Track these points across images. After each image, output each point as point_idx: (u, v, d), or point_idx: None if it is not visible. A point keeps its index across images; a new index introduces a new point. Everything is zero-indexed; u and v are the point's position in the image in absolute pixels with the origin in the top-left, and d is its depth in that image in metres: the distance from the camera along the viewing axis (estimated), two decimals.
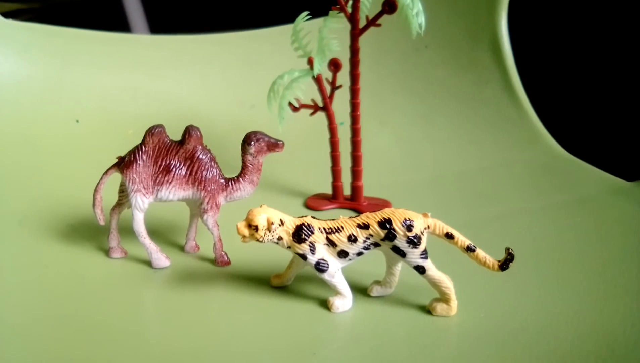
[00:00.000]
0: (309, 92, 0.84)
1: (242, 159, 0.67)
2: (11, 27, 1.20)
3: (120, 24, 1.55)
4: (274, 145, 0.67)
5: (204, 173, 0.66)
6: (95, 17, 1.42)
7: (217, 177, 0.67)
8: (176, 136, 0.67)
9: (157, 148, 0.65)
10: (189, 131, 0.66)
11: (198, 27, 1.36)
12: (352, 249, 0.57)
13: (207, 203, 0.66)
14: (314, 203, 0.88)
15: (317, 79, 0.83)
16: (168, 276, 0.66)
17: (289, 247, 0.57)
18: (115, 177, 0.67)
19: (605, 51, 1.17)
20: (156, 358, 0.52)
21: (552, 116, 1.13)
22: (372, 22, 0.80)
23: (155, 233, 0.73)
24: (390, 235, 0.56)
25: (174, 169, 0.65)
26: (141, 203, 0.65)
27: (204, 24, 1.46)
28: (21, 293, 0.63)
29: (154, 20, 1.59)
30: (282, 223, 0.57)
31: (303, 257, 0.57)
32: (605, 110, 1.16)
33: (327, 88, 0.84)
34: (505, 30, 1.16)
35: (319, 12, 0.85)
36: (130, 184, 0.65)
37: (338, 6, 0.80)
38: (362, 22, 0.80)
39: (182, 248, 0.72)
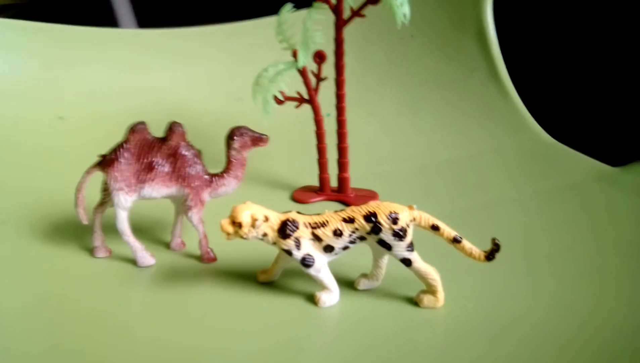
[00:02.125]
0: (294, 85, 0.83)
1: (227, 155, 0.66)
2: None
3: (107, 19, 1.52)
4: (258, 140, 0.66)
5: (188, 169, 0.65)
6: (83, 12, 1.40)
7: (201, 173, 0.66)
8: (162, 131, 0.66)
9: (139, 145, 0.64)
10: (171, 128, 0.65)
11: (185, 20, 1.34)
12: (337, 243, 0.57)
13: (192, 199, 0.66)
14: (301, 195, 0.88)
15: (302, 72, 0.82)
16: (154, 275, 0.65)
17: (274, 243, 0.57)
18: (99, 175, 0.66)
19: (590, 38, 1.17)
20: (143, 357, 0.51)
21: (538, 103, 1.13)
22: (356, 12, 0.79)
23: (140, 231, 0.72)
24: (376, 229, 0.55)
25: (157, 167, 0.64)
26: (124, 201, 0.64)
27: (191, 17, 1.44)
28: (4, 294, 0.63)
29: (141, 15, 1.56)
30: (266, 219, 0.56)
31: (288, 253, 0.57)
32: (591, 96, 1.16)
33: (313, 80, 0.83)
34: (490, 19, 1.15)
35: (303, 3, 0.84)
36: (113, 182, 0.64)
37: None
38: (346, 13, 0.79)
39: (167, 246, 0.72)
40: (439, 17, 1.20)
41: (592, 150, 0.98)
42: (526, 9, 1.24)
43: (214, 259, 0.68)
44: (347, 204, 0.84)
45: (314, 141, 0.86)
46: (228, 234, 0.56)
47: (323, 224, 0.57)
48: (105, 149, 0.66)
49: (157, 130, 0.66)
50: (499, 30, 1.16)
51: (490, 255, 0.56)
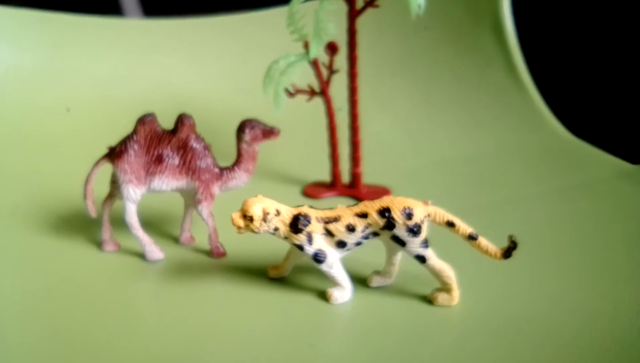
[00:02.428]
0: (305, 77, 0.82)
1: (237, 148, 0.66)
2: None
3: (112, 7, 1.52)
4: (269, 132, 0.65)
5: (198, 162, 0.64)
6: (88, 1, 1.40)
7: (211, 166, 0.65)
8: (171, 123, 0.65)
9: (148, 138, 0.64)
10: (181, 120, 0.64)
11: (192, 10, 1.33)
12: (350, 239, 0.56)
13: (202, 193, 0.65)
14: (312, 190, 0.87)
15: (314, 63, 0.81)
16: (162, 269, 0.65)
17: (285, 238, 0.56)
18: (108, 168, 0.66)
19: (610, 32, 1.15)
20: (152, 352, 0.51)
21: (556, 98, 1.11)
22: (369, 3, 0.78)
23: (149, 224, 0.72)
24: (390, 224, 0.54)
25: (166, 159, 0.64)
26: (133, 194, 0.64)
27: (199, 6, 1.44)
28: (12, 287, 0.62)
29: (147, 4, 1.56)
30: (278, 213, 0.55)
31: (300, 248, 0.56)
32: (611, 92, 1.14)
33: (324, 72, 0.82)
34: (508, 10, 1.14)
35: None
36: (122, 175, 0.63)
37: None
38: (359, 4, 0.78)
39: (176, 240, 0.71)
40: (454, 8, 1.18)
41: (612, 147, 0.96)
42: (544, 1, 1.21)
43: (224, 254, 0.67)
44: (359, 200, 0.82)
45: (325, 134, 0.85)
46: (239, 228, 0.55)
47: (336, 219, 0.56)
48: (112, 141, 0.66)
49: (165, 122, 0.66)
50: (517, 22, 1.14)
51: (507, 253, 0.55)
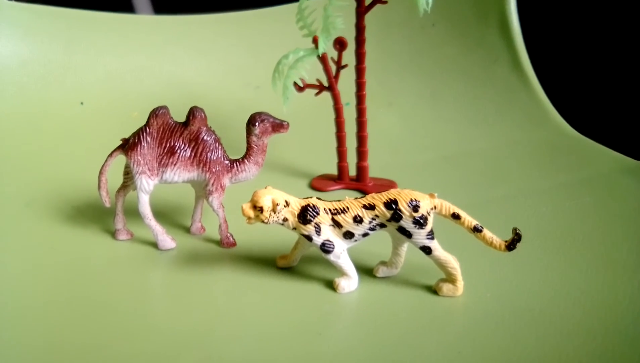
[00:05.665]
0: (314, 72, 0.83)
1: (247, 140, 0.67)
2: (14, 8, 1.19)
3: (124, 4, 1.53)
4: (278, 126, 0.66)
5: (209, 154, 0.65)
6: None
7: (222, 158, 0.66)
8: (181, 117, 0.67)
9: (161, 130, 0.65)
10: (193, 112, 0.65)
11: (202, 7, 1.34)
12: (357, 230, 0.57)
13: (212, 184, 0.66)
14: (319, 183, 0.88)
15: (322, 59, 0.82)
16: (174, 258, 0.66)
17: (294, 228, 0.57)
18: (121, 159, 0.67)
19: (615, 29, 1.15)
20: (163, 340, 0.52)
21: (561, 95, 1.11)
22: None
23: (161, 214, 0.73)
24: (396, 216, 0.55)
25: (178, 151, 0.65)
26: (146, 184, 0.65)
27: (209, 3, 1.44)
28: (28, 275, 0.64)
29: (157, 1, 1.57)
30: (287, 204, 0.56)
31: (308, 238, 0.57)
32: (615, 89, 1.14)
33: (333, 67, 0.83)
34: (514, 8, 1.14)
35: None
36: (135, 166, 0.65)
37: None
38: (367, 0, 0.79)
39: (187, 230, 0.72)
40: (461, 5, 1.18)
41: (616, 143, 0.96)
42: None
43: (234, 244, 0.68)
44: (365, 193, 0.83)
45: (333, 129, 0.86)
46: (249, 218, 0.56)
47: (343, 211, 0.57)
48: (125, 134, 0.67)
49: (175, 116, 0.67)
50: (522, 19, 1.14)
51: (511, 245, 0.55)
